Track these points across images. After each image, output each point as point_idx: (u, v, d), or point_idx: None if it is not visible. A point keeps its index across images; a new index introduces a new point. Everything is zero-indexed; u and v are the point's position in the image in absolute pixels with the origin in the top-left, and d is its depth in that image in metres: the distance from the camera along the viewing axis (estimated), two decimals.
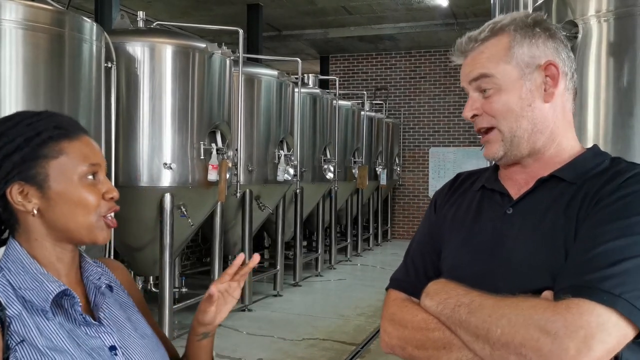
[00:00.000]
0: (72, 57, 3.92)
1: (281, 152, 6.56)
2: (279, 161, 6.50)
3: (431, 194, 12.44)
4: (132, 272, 5.56)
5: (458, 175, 1.42)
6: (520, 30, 1.18)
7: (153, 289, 5.58)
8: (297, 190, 7.19)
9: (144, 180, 4.96)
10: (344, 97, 10.39)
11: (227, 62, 5.47)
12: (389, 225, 12.41)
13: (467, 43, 1.22)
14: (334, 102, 8.43)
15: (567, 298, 0.99)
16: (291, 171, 6.65)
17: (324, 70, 13.04)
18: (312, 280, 8.24)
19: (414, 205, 12.63)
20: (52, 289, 1.07)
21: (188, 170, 5.01)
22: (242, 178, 5.92)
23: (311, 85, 8.16)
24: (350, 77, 13.01)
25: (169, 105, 4.98)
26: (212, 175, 5.04)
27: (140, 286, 5.81)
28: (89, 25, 4.08)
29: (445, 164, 12.38)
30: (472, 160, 12.13)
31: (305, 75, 8.07)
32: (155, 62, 4.98)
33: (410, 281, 1.28)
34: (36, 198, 1.08)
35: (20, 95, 3.59)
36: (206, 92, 5.20)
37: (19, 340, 1.01)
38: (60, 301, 1.08)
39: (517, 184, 1.24)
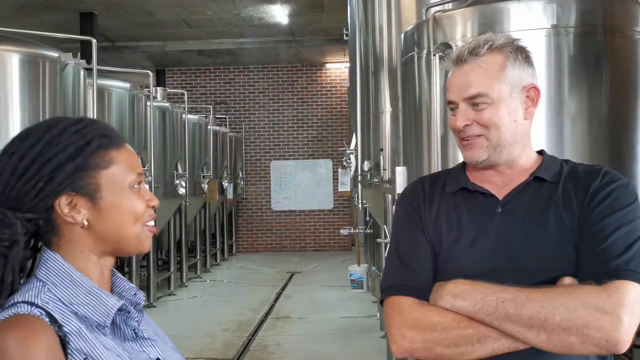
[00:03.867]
0: None
1: None
2: None
3: (274, 206, 12.66)
4: None
5: (422, 180, 1.50)
6: (513, 53, 1.34)
7: None
8: None
9: None
10: (189, 111, 10.21)
11: (81, 73, 5.13)
12: (233, 239, 12.38)
13: (467, 54, 1.33)
14: (184, 116, 8.27)
15: (611, 281, 1.17)
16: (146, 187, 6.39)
17: (160, 84, 12.67)
18: (166, 300, 7.95)
19: (257, 218, 12.75)
20: (112, 304, 1.03)
21: None
22: None
23: (159, 99, 7.93)
24: (188, 90, 12.77)
25: (18, 118, 4.54)
26: None
27: None
28: None
29: (286, 177, 12.70)
30: (306, 172, 12.61)
31: (153, 88, 7.80)
32: (0, 72, 4.52)
33: (416, 286, 1.32)
34: (86, 209, 1.03)
35: None
36: (59, 106, 4.82)
37: (83, 358, 0.96)
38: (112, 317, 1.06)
39: (495, 185, 1.38)
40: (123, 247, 1.07)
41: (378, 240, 3.83)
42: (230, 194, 10.76)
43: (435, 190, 1.44)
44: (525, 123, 1.35)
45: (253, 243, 12.77)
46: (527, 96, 1.35)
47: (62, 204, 1.02)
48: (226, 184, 10.67)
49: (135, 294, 1.14)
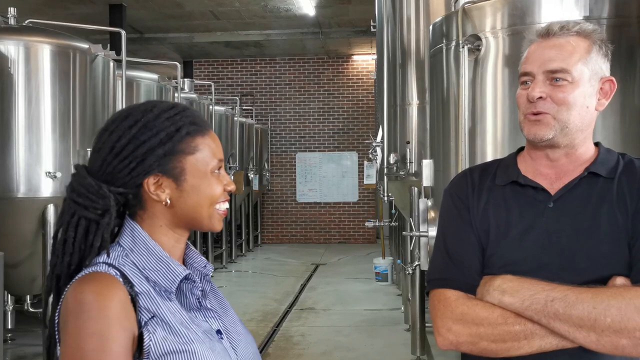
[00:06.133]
0: None
1: None
2: None
3: (299, 198, 12.70)
4: (5, 291, 5.07)
5: (471, 171, 1.47)
6: (599, 42, 1.33)
7: (30, 309, 5.13)
8: None
9: (22, 191, 4.57)
10: (216, 102, 10.28)
11: (111, 64, 5.20)
12: (259, 230, 12.46)
13: (559, 29, 1.31)
14: (210, 107, 8.33)
15: None
16: None
17: (187, 75, 12.77)
18: None
19: (282, 209, 12.80)
20: (179, 271, 1.13)
21: None
22: None
23: (187, 90, 7.99)
24: (215, 82, 12.88)
25: (49, 109, 4.63)
26: None
27: (12, 307, 5.31)
28: None
29: (311, 169, 12.72)
30: (332, 164, 12.62)
31: (181, 79, 7.88)
32: (32, 63, 4.61)
33: (464, 280, 1.32)
34: (170, 189, 1.13)
35: None
36: (89, 96, 4.90)
37: (150, 316, 1.05)
38: (179, 285, 1.14)
39: (547, 178, 1.35)
40: (196, 223, 1.17)
41: (403, 233, 3.82)
42: (255, 186, 10.82)
43: (485, 182, 1.42)
44: (594, 113, 1.34)
45: (278, 234, 12.84)
46: (601, 88, 1.33)
47: (150, 183, 1.12)
48: (252, 176, 10.73)
49: (205, 266, 1.24)
